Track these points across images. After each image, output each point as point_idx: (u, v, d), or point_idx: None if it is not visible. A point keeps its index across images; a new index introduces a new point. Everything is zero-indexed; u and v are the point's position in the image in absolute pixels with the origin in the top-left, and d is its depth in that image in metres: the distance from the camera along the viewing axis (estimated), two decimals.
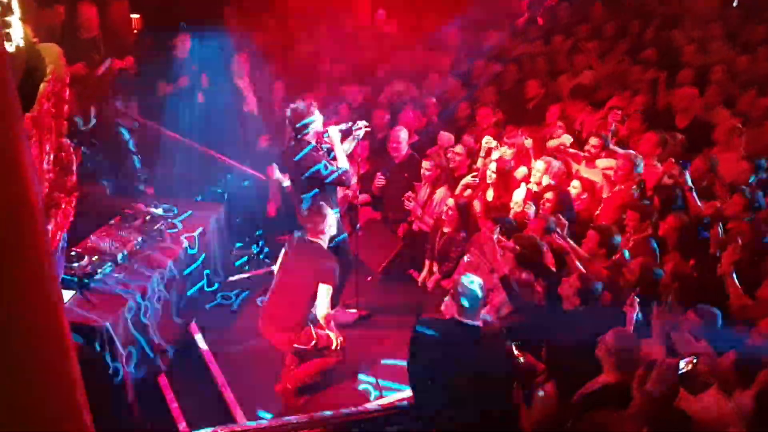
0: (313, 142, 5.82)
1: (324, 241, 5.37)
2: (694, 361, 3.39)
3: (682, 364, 3.41)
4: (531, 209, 6.18)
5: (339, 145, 5.88)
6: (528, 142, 7.00)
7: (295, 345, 5.24)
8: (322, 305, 5.15)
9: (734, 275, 4.79)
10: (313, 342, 5.23)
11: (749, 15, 9.88)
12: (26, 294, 1.87)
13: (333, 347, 5.27)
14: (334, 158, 5.86)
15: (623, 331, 4.10)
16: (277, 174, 7.38)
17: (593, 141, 6.80)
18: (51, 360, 1.99)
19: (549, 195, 6.09)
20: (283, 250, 5.54)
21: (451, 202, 6.38)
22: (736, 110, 7.83)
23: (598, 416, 3.73)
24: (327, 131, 5.85)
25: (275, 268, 5.61)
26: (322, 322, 5.24)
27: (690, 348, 4.01)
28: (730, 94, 8.16)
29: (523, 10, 10.44)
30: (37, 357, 1.95)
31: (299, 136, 5.80)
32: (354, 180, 6.29)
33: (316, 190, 5.79)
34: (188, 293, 6.38)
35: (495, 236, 5.20)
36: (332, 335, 5.27)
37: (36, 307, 1.91)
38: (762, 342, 4.04)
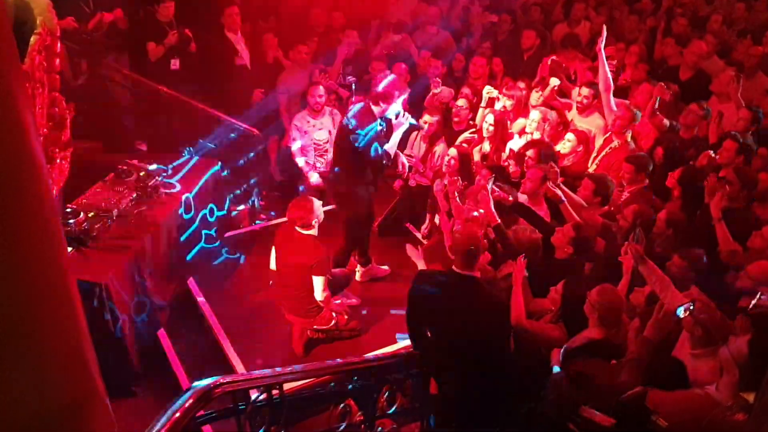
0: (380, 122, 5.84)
1: (314, 231, 5.35)
2: (691, 308, 3.43)
3: (679, 310, 3.45)
4: (512, 167, 6.20)
5: (399, 132, 5.99)
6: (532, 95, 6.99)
7: (316, 327, 5.50)
8: (318, 293, 5.29)
9: (722, 221, 4.84)
10: (334, 322, 5.52)
11: None
12: (32, 249, 1.86)
13: (345, 323, 5.60)
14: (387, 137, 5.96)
15: (608, 287, 4.14)
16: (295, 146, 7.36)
17: (584, 91, 6.75)
18: (58, 316, 1.99)
19: (530, 152, 6.08)
20: (273, 248, 5.53)
21: (453, 151, 6.34)
22: (731, 59, 7.81)
23: (589, 366, 3.79)
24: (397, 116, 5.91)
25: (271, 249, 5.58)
26: (322, 305, 5.40)
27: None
28: (724, 43, 8.13)
29: None
30: (44, 313, 1.95)
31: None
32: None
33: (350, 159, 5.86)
34: (189, 255, 6.38)
35: (490, 185, 5.21)
36: (339, 313, 5.56)
37: (42, 262, 1.90)
38: (751, 285, 4.09)
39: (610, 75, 6.45)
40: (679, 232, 4.77)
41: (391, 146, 5.96)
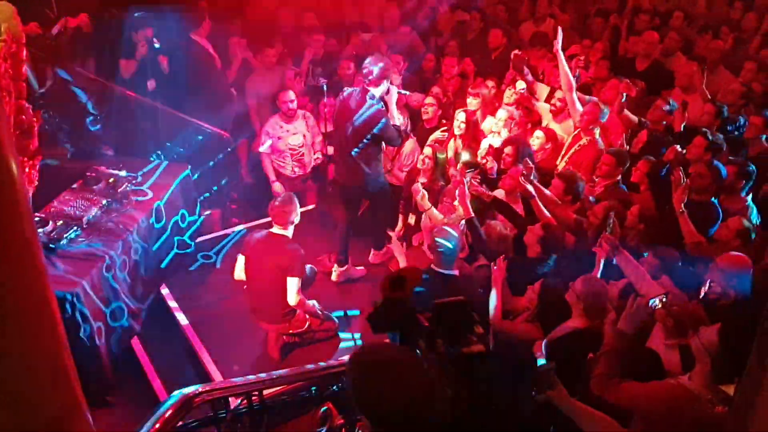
0: (378, 100, 5.93)
1: (290, 232, 5.34)
2: (664, 299, 3.49)
3: (652, 302, 3.50)
4: (490, 164, 6.25)
5: (394, 104, 6.11)
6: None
7: (291, 331, 5.48)
8: (291, 295, 5.24)
9: (685, 213, 4.93)
10: (307, 324, 5.50)
11: None
12: (8, 261, 1.83)
13: (318, 324, 5.57)
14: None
15: (592, 276, 4.20)
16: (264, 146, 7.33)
17: (559, 94, 6.82)
18: (38, 330, 1.97)
19: (508, 149, 6.13)
20: (241, 257, 5.48)
21: (428, 150, 6.35)
22: (693, 54, 7.96)
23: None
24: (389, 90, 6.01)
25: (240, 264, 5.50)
26: (296, 308, 5.38)
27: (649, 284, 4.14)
28: (687, 39, 8.29)
29: None
30: (23, 328, 1.92)
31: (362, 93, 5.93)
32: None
33: (365, 142, 5.98)
34: (163, 262, 6.30)
35: (467, 179, 5.25)
36: (312, 315, 5.53)
37: (19, 272, 1.88)
38: (720, 277, 4.17)
39: (570, 74, 6.50)
40: (651, 226, 4.85)
41: (399, 121, 6.18)
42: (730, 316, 3.64)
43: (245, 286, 5.53)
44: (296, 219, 5.35)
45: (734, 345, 3.14)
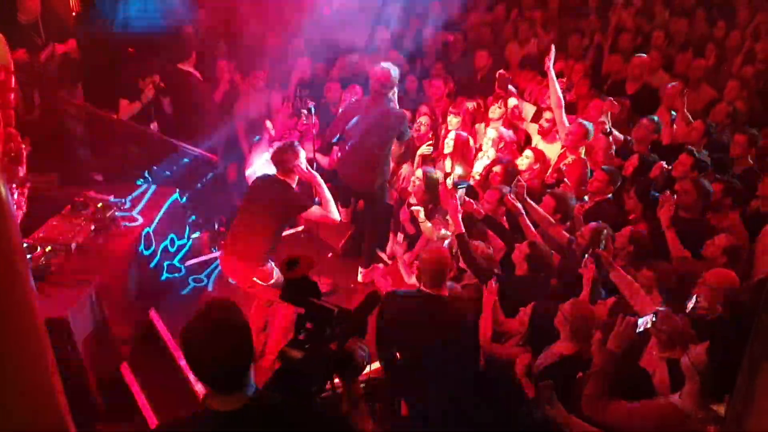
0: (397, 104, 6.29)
1: (292, 180, 5.41)
2: (653, 319, 3.51)
3: (641, 321, 3.52)
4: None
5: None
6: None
7: (254, 279, 5.31)
8: (324, 220, 5.47)
9: (672, 229, 5.00)
10: (273, 281, 5.33)
11: None
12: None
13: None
14: None
15: (580, 300, 4.22)
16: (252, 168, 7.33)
17: (548, 115, 6.89)
18: (28, 354, 1.97)
19: (497, 169, 6.17)
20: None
21: (420, 173, 6.39)
22: (674, 72, 8.08)
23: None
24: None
25: None
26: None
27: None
28: (668, 57, 8.40)
29: None
30: (12, 350, 1.92)
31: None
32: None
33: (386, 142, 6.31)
34: (153, 286, 6.26)
35: (459, 193, 5.28)
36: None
37: (8, 297, 1.88)
38: (708, 293, 4.20)
39: (560, 92, 6.59)
40: (641, 248, 4.89)
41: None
42: (719, 333, 3.68)
43: (233, 222, 5.58)
44: (300, 165, 5.40)
45: (723, 362, 3.16)
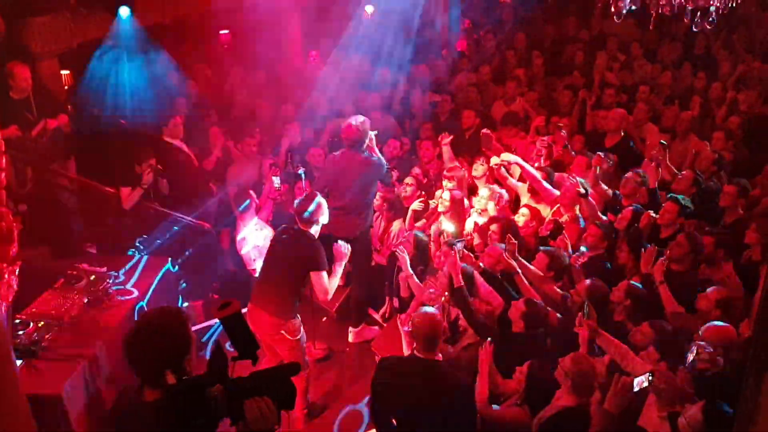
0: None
1: (313, 230, 5.43)
2: (650, 378, 3.49)
3: (636, 381, 3.50)
4: (476, 240, 6.29)
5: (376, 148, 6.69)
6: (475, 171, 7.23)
7: (282, 332, 5.33)
8: (320, 289, 5.34)
9: (665, 284, 5.01)
10: (299, 336, 5.41)
11: (663, 35, 10.48)
12: None
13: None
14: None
15: (581, 354, 4.20)
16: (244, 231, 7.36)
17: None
18: None
19: (494, 227, 6.20)
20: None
21: (410, 236, 6.48)
22: (661, 125, 8.22)
23: None
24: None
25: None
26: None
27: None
28: (655, 110, 8.57)
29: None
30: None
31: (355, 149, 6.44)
32: None
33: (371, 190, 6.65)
34: None
35: (458, 246, 5.29)
36: None
37: None
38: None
39: (533, 171, 6.75)
40: (637, 302, 4.89)
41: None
42: (718, 389, 3.65)
43: (257, 275, 5.64)
44: (322, 219, 5.46)
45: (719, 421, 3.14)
